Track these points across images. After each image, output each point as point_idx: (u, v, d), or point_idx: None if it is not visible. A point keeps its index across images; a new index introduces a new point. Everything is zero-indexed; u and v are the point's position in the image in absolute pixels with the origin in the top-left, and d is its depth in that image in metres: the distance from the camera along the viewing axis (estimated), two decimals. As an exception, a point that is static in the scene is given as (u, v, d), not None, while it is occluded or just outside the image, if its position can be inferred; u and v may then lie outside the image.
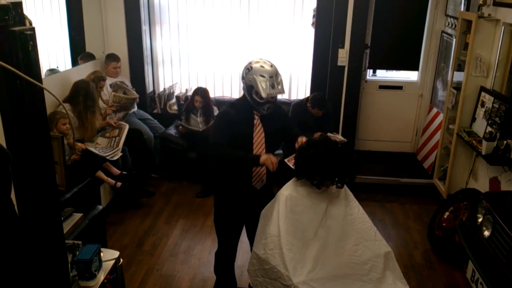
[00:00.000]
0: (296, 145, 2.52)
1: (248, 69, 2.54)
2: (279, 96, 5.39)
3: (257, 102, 2.53)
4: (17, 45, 1.35)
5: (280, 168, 2.51)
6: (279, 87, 2.52)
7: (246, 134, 2.60)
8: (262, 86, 2.46)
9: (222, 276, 3.08)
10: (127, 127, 4.30)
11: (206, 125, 4.78)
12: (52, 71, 4.41)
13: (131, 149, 4.44)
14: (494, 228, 2.61)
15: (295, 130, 2.76)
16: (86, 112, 3.94)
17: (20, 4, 1.39)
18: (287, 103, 5.03)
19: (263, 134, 2.61)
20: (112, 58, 4.80)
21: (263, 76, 2.48)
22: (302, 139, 2.53)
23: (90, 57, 4.75)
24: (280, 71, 2.62)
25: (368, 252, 2.22)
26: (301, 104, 4.72)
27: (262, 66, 2.52)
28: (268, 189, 2.78)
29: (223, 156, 2.58)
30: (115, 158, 3.98)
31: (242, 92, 2.69)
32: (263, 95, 2.46)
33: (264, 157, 2.47)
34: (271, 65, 2.55)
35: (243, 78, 2.59)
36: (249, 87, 2.53)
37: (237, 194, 2.74)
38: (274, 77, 2.50)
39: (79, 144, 3.80)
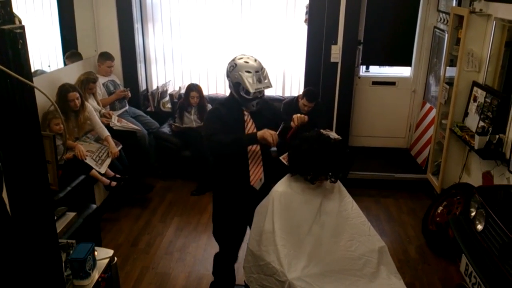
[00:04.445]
0: (292, 124, 2.50)
1: (233, 66, 2.51)
2: (273, 93, 5.42)
3: (245, 98, 2.52)
4: (7, 44, 1.34)
5: (277, 166, 2.49)
6: (266, 81, 2.50)
7: (238, 131, 2.57)
8: (249, 81, 2.45)
9: (222, 277, 3.06)
10: (119, 147, 4.24)
11: (200, 122, 4.77)
12: (39, 72, 4.34)
13: (125, 147, 4.41)
14: (487, 221, 2.63)
15: (288, 123, 2.72)
16: (64, 114, 3.88)
17: (10, 2, 1.37)
18: (280, 100, 5.03)
19: (255, 130, 2.59)
20: (106, 57, 4.77)
21: (248, 72, 2.46)
22: (298, 115, 2.51)
23: (77, 56, 4.70)
24: (273, 68, 2.62)
25: (362, 247, 2.23)
26: (292, 102, 4.71)
27: (246, 62, 2.49)
28: (268, 190, 2.76)
29: (219, 142, 2.51)
30: (100, 170, 3.95)
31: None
32: (251, 90, 2.45)
33: (261, 132, 2.44)
34: (255, 60, 2.53)
35: (228, 76, 2.57)
36: (236, 84, 2.51)
37: (236, 197, 2.70)
38: (259, 71, 2.48)
39: (68, 155, 3.79)
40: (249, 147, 2.60)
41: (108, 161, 4.05)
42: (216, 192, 2.82)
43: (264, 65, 2.56)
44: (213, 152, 2.73)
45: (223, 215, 2.79)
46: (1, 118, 1.39)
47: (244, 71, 2.47)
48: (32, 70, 3.97)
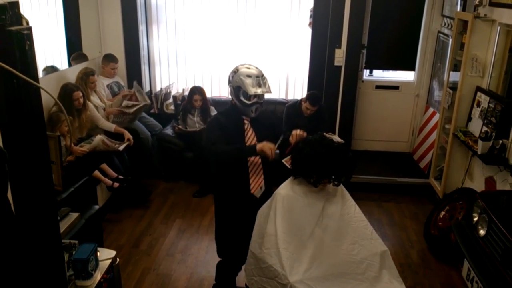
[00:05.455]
0: (291, 139, 2.52)
1: (234, 72, 2.61)
2: (276, 96, 5.41)
3: (245, 103, 2.57)
4: (14, 45, 1.35)
5: (279, 170, 2.51)
6: (266, 87, 2.59)
7: (238, 140, 2.62)
8: (249, 83, 2.53)
9: (223, 284, 3.06)
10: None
11: (204, 124, 4.78)
12: (51, 68, 4.38)
13: (128, 149, 4.42)
14: (489, 227, 2.62)
15: (287, 134, 2.73)
16: (69, 114, 3.89)
17: (17, 3, 1.39)
18: (283, 103, 5.04)
19: (255, 139, 2.64)
20: (111, 58, 4.79)
21: (249, 77, 2.56)
22: (297, 131, 2.53)
23: (83, 57, 4.72)
24: (276, 71, 2.66)
25: (364, 251, 2.23)
26: (295, 105, 4.71)
27: (248, 68, 2.61)
28: (268, 197, 2.75)
29: (218, 151, 2.58)
30: (121, 148, 4.11)
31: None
32: (250, 92, 2.52)
33: (260, 145, 2.50)
34: (256, 68, 2.64)
35: (230, 82, 2.65)
36: (236, 88, 2.59)
37: (237, 206, 2.72)
38: (260, 77, 2.58)
39: (69, 157, 3.78)
40: (250, 158, 2.64)
41: (124, 145, 4.16)
42: (218, 201, 2.85)
43: (267, 70, 2.66)
44: (214, 161, 2.76)
45: (225, 225, 2.82)
46: (8, 118, 1.40)
47: (245, 76, 2.56)
48: (40, 69, 4.01)
